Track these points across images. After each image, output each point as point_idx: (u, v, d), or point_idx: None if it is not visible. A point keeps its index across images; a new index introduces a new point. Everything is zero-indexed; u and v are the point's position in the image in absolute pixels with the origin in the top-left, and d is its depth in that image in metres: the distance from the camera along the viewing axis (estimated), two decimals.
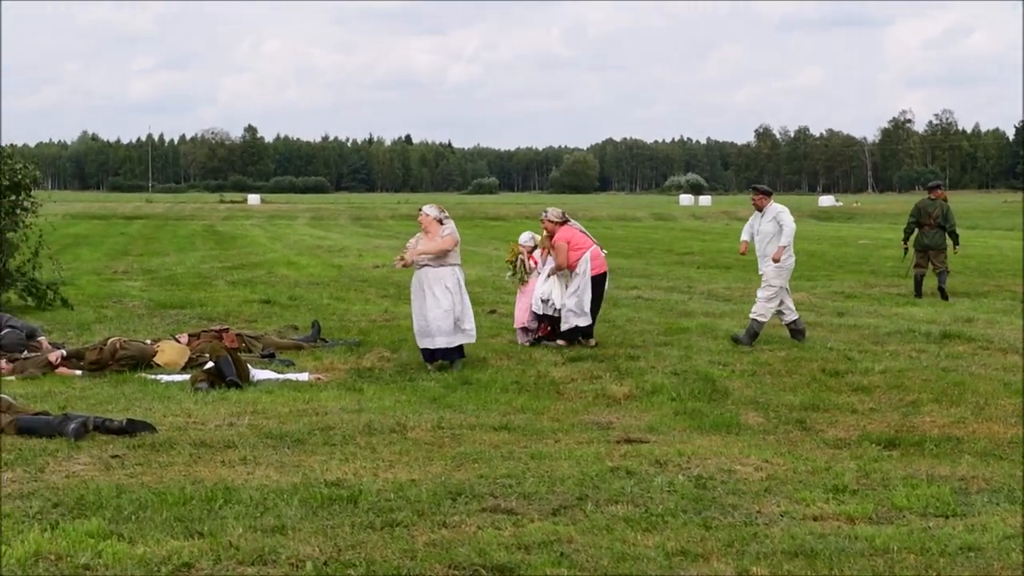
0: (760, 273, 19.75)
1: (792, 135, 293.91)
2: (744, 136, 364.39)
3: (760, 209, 19.87)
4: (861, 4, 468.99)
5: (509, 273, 20.95)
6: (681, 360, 17.84)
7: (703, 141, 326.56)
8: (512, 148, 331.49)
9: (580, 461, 11.36)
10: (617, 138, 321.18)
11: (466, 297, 17.57)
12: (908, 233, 28.24)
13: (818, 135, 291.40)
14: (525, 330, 19.76)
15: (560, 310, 19.23)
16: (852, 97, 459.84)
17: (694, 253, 45.27)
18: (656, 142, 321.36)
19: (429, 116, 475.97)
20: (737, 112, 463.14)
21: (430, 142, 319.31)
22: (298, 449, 11.91)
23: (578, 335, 19.18)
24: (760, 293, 19.61)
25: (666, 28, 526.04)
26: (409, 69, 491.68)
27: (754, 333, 19.40)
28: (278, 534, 8.72)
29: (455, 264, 17.34)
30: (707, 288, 29.80)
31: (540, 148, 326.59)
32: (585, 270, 19.13)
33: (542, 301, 19.37)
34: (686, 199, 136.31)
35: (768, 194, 20.14)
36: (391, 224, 76.43)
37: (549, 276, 19.40)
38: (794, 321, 19.82)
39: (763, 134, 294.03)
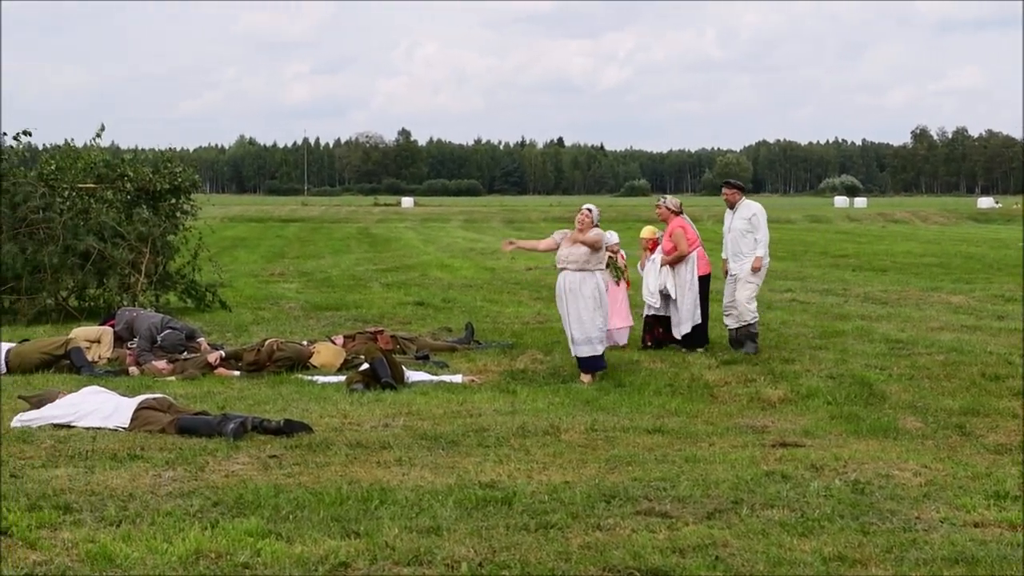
0: (731, 273, 18.89)
1: (949, 136, 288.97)
2: (900, 137, 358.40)
3: (732, 205, 19.04)
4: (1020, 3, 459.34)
5: None
6: (837, 363, 17.63)
7: (858, 142, 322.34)
8: (664, 150, 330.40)
9: (735, 465, 11.28)
10: (770, 139, 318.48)
11: (605, 304, 17.14)
12: None
13: (976, 136, 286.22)
14: (613, 331, 19.71)
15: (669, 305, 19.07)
16: (1013, 98, 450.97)
17: (849, 256, 44.66)
18: (810, 143, 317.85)
19: (582, 119, 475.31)
20: (892, 113, 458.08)
21: (582, 144, 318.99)
22: (452, 450, 11.96)
23: (696, 341, 18.99)
24: (739, 295, 18.69)
25: (820, 29, 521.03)
26: (562, 72, 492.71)
27: (752, 337, 18.73)
28: (433, 535, 8.77)
29: (598, 269, 17.14)
30: (863, 291, 29.39)
31: (692, 150, 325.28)
32: (692, 272, 18.91)
33: (661, 294, 19.23)
34: (841, 201, 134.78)
35: (741, 189, 19.29)
36: (544, 226, 76.42)
37: (662, 267, 19.15)
38: (737, 330, 18.87)
39: (920, 135, 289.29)
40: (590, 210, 17.21)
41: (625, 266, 19.95)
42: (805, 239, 59.77)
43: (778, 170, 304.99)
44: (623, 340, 19.69)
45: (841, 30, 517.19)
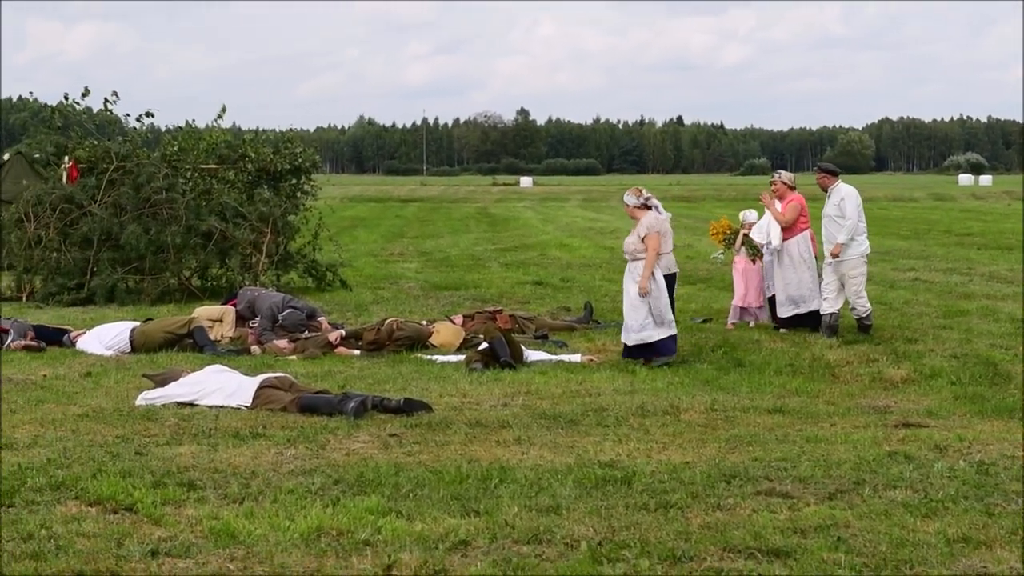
0: (827, 262, 18.20)
1: None
2: None
3: (825, 189, 18.48)
4: None
5: (719, 253, 20.75)
6: (961, 343, 17.38)
7: (983, 120, 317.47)
8: (785, 128, 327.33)
9: (857, 445, 11.18)
10: (894, 117, 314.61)
11: (663, 293, 16.61)
12: None
13: None
14: (743, 309, 19.54)
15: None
16: None
17: (974, 234, 44.07)
18: (934, 120, 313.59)
19: (701, 97, 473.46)
20: (1019, 89, 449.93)
21: (702, 123, 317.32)
22: (571, 430, 11.96)
23: (805, 324, 18.65)
24: (848, 292, 18.11)
25: (945, 5, 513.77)
26: (682, 50, 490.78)
27: (865, 329, 18.21)
28: (552, 514, 8.78)
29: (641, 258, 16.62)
30: (988, 270, 28.94)
31: (814, 128, 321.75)
32: (807, 253, 18.65)
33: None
34: (965, 179, 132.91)
35: (833, 173, 18.66)
36: (663, 206, 76.07)
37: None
38: (831, 315, 18.14)
39: None
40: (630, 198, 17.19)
41: (759, 245, 19.61)
42: (929, 218, 59.04)
43: (901, 148, 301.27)
44: (763, 317, 19.55)
45: (968, 5, 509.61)
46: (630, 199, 17.16)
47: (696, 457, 10.72)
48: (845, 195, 18.15)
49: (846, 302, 18.24)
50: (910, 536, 8.24)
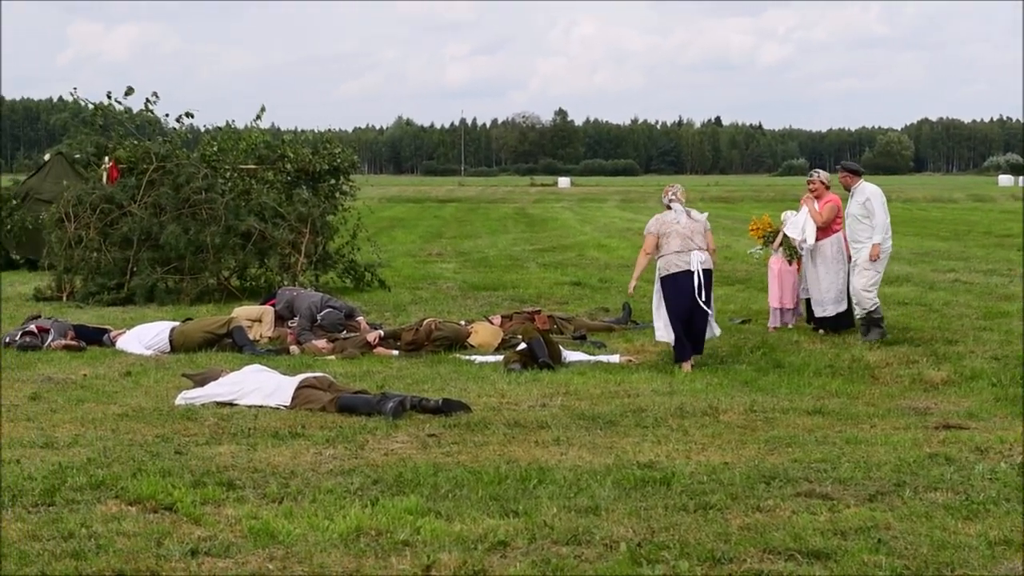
0: (853, 260, 18.08)
1: None
2: None
3: (848, 188, 18.34)
4: None
5: (758, 248, 20.65)
6: (1002, 345, 17.30)
7: (1023, 120, 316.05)
8: (823, 129, 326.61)
9: (897, 447, 11.13)
10: (933, 118, 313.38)
11: (661, 300, 16.50)
12: None
13: None
14: (781, 311, 19.47)
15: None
16: None
17: (1014, 235, 43.80)
18: (974, 121, 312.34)
19: (740, 97, 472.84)
20: None
21: (740, 123, 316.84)
22: (610, 430, 11.95)
23: (843, 325, 18.57)
24: (856, 283, 17.96)
25: (985, 5, 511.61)
26: (722, 50, 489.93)
27: (876, 323, 17.94)
28: (592, 514, 8.77)
29: (659, 257, 16.50)
30: None
31: (852, 129, 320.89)
32: (840, 254, 18.55)
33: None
34: (1005, 180, 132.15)
35: (856, 172, 18.49)
36: (701, 206, 75.91)
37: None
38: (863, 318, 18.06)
39: None
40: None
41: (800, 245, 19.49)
42: (968, 219, 58.79)
43: (940, 148, 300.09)
44: (792, 321, 19.49)
45: (1008, 5, 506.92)
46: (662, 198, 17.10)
47: (735, 458, 10.69)
48: (870, 195, 17.97)
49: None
50: (951, 538, 8.20)
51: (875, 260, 17.76)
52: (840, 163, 19.33)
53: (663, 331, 16.42)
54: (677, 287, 16.22)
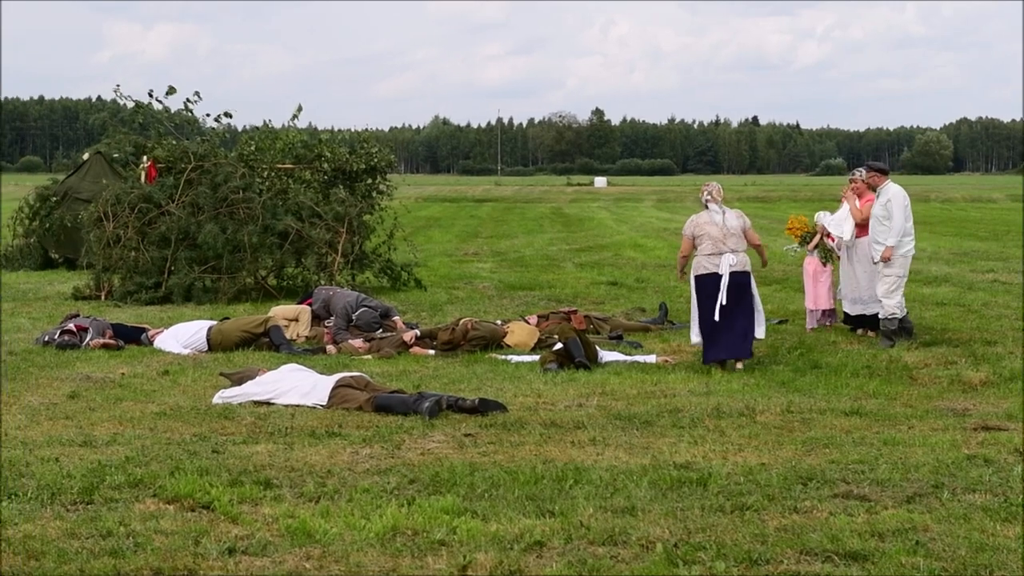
0: (875, 261, 17.86)
1: None
2: None
3: (873, 189, 18.17)
4: None
5: (794, 245, 20.55)
6: None
7: None
8: (861, 129, 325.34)
9: (935, 448, 11.08)
10: (972, 117, 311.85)
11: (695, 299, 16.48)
12: None
13: None
14: (818, 313, 19.39)
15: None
16: None
17: None
18: (1013, 121, 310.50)
19: (777, 97, 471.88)
20: None
21: (777, 123, 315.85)
22: (646, 431, 11.93)
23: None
24: (877, 290, 17.74)
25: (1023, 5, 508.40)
26: (758, 49, 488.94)
27: (895, 331, 17.62)
28: (628, 515, 8.76)
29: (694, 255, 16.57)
30: None
31: (891, 128, 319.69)
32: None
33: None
34: None
35: (882, 172, 18.30)
36: (738, 206, 75.68)
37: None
38: (885, 320, 17.73)
39: None
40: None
41: (833, 248, 19.41)
42: (1007, 219, 58.45)
43: (980, 148, 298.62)
44: (831, 322, 19.45)
45: None
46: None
47: (772, 459, 10.66)
48: (892, 196, 17.75)
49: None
50: (990, 541, 8.16)
51: (886, 262, 17.56)
52: (867, 162, 19.24)
53: (696, 333, 16.41)
54: (703, 289, 16.24)
